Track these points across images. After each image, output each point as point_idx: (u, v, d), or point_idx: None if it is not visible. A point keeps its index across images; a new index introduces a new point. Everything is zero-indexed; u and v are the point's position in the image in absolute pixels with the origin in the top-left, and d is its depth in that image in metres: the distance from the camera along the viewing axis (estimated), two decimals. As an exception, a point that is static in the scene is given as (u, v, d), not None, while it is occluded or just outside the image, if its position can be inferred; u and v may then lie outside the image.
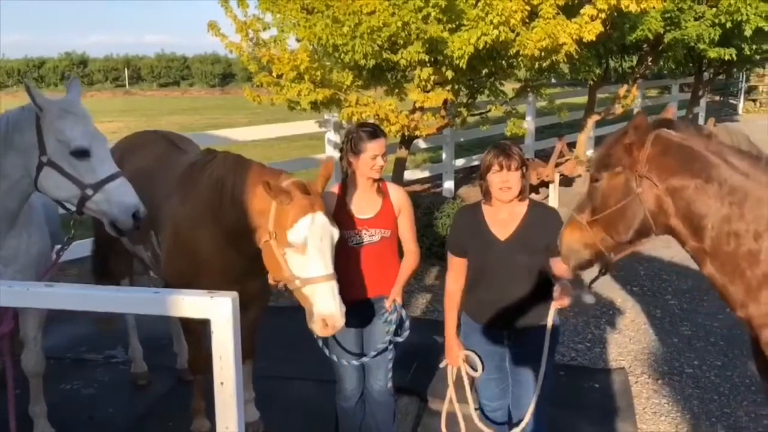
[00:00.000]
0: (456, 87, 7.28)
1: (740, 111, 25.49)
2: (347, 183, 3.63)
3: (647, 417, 4.67)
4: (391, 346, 3.65)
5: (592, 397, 4.93)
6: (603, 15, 6.77)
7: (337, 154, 3.87)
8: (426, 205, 8.08)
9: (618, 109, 12.39)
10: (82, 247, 5.58)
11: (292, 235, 3.13)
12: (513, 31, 6.29)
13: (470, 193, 10.89)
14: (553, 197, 9.96)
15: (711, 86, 19.55)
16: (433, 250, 7.39)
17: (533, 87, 8.95)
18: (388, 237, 3.63)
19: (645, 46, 12.24)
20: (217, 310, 1.96)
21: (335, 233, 3.24)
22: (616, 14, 7.46)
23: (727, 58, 12.49)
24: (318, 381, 4.80)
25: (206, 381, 3.60)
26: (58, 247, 3.82)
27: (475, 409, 3.59)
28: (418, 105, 7.12)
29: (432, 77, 6.70)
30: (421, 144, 10.73)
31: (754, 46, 12.57)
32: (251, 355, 4.13)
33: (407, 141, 7.95)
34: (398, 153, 8.13)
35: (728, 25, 11.15)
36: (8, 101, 15.50)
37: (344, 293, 3.59)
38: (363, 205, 3.61)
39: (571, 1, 6.69)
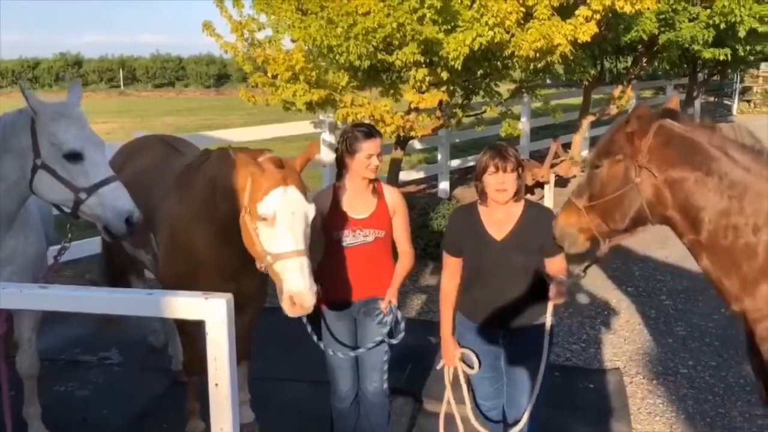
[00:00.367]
0: (451, 88, 7.28)
1: (734, 112, 25.55)
2: (343, 183, 3.64)
3: (642, 417, 4.68)
4: (385, 347, 3.65)
5: (587, 397, 4.94)
6: (597, 16, 6.77)
7: (332, 155, 3.87)
8: (421, 205, 8.09)
9: (613, 110, 12.42)
10: (77, 249, 5.57)
11: (261, 207, 3.07)
12: (508, 33, 6.29)
13: (465, 193, 10.90)
14: (548, 198, 9.98)
15: (705, 87, 19.65)
16: (428, 251, 7.40)
17: (528, 88, 8.96)
18: (382, 238, 3.63)
19: (639, 47, 12.27)
20: (211, 311, 1.96)
21: (309, 210, 3.15)
22: (610, 15, 7.48)
23: (721, 58, 12.54)
24: (313, 382, 4.80)
25: (201, 382, 3.59)
26: (56, 247, 3.81)
27: (472, 409, 3.60)
28: (413, 106, 7.11)
29: (427, 78, 6.70)
30: (417, 145, 10.74)
31: (748, 47, 12.61)
32: (247, 356, 4.13)
33: (402, 142, 7.94)
34: (393, 154, 8.13)
35: (722, 26, 11.19)
36: (3, 102, 15.46)
37: (338, 293, 3.60)
38: (358, 205, 3.61)
39: (566, 2, 6.70)
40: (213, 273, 3.63)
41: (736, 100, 26.30)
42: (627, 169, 2.71)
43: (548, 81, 15.94)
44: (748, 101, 26.97)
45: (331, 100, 6.90)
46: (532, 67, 7.24)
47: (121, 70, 49.48)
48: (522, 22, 6.50)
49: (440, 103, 7.20)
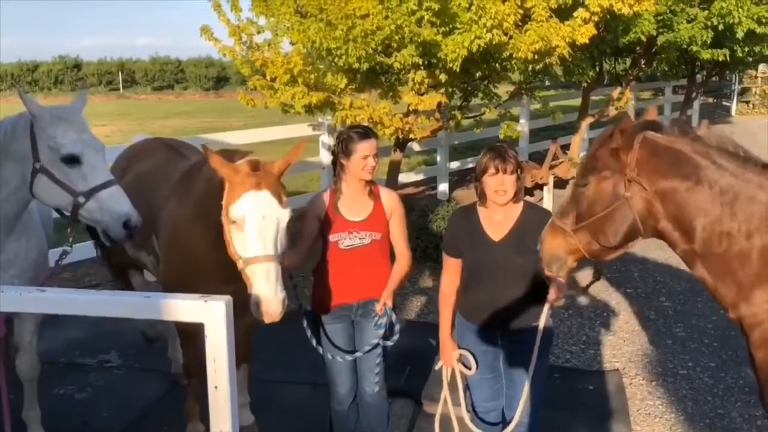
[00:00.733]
0: (450, 90, 7.29)
1: (733, 113, 25.60)
2: (339, 186, 3.64)
3: (641, 418, 4.68)
4: (380, 350, 3.66)
5: (586, 398, 4.94)
6: (596, 18, 6.79)
7: (330, 157, 3.87)
8: (421, 207, 8.09)
9: (612, 111, 12.42)
10: (77, 251, 5.54)
11: (233, 210, 3.05)
12: (506, 34, 6.31)
13: (465, 195, 10.90)
14: (547, 199, 9.98)
15: (704, 88, 19.65)
16: (428, 253, 7.40)
17: (527, 89, 8.98)
18: (378, 240, 3.63)
19: (638, 48, 12.27)
20: (211, 313, 1.96)
21: (283, 215, 3.09)
22: (608, 17, 7.49)
23: (720, 59, 12.55)
24: (312, 385, 4.80)
25: (201, 385, 3.59)
26: (57, 250, 3.80)
27: (468, 412, 3.60)
28: (412, 108, 7.13)
29: (426, 80, 6.71)
30: (416, 147, 10.74)
31: (746, 48, 12.63)
32: (246, 359, 4.13)
33: (401, 144, 7.96)
34: (393, 156, 8.14)
35: (720, 27, 11.20)
36: (2, 106, 15.46)
37: (335, 296, 3.60)
38: (354, 207, 3.62)
39: (564, 4, 6.71)
40: (212, 275, 3.62)
41: (734, 101, 26.35)
42: (615, 184, 2.67)
43: (547, 82, 15.98)
44: (747, 102, 27.02)
45: (329, 102, 6.91)
46: (530, 68, 7.26)
47: (120, 73, 49.52)
48: (520, 24, 6.51)
49: (439, 105, 7.21)
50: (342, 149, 3.57)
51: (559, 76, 12.71)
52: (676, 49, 12.11)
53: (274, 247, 3.05)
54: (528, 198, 4.70)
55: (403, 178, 10.07)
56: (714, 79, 18.88)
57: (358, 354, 3.65)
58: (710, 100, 27.66)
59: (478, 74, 7.52)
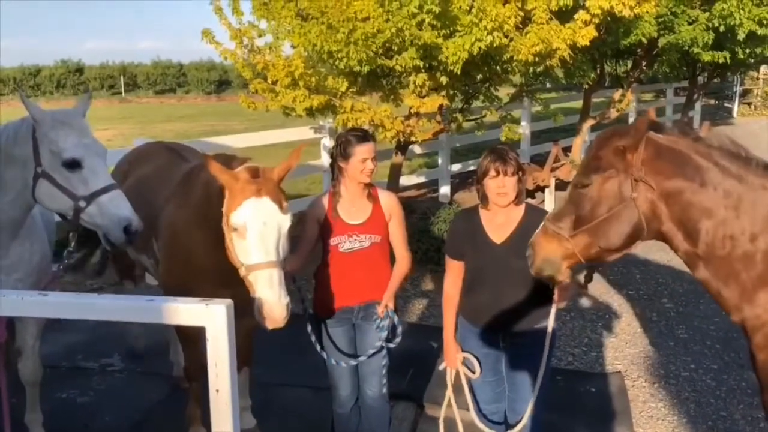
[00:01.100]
0: (451, 92, 7.29)
1: (735, 114, 25.59)
2: (338, 189, 3.65)
3: (644, 421, 4.67)
4: (384, 352, 3.66)
5: (588, 401, 4.94)
6: (596, 20, 6.79)
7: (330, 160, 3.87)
8: (422, 210, 8.10)
9: (613, 113, 12.44)
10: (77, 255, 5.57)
11: (234, 218, 3.05)
12: (507, 37, 6.31)
13: (466, 197, 10.91)
14: (548, 201, 9.98)
15: (706, 90, 19.63)
16: (429, 255, 7.39)
17: (528, 92, 8.99)
18: (378, 242, 3.64)
19: (639, 50, 12.28)
20: (212, 317, 1.96)
21: (284, 221, 3.10)
22: (609, 19, 7.49)
23: (721, 61, 12.53)
24: (314, 388, 4.80)
25: (202, 388, 3.59)
26: (65, 253, 3.81)
27: (476, 411, 3.59)
28: (413, 110, 7.13)
29: (427, 83, 6.71)
30: (417, 149, 10.76)
31: (747, 50, 12.62)
32: (248, 362, 4.13)
33: (403, 146, 7.95)
34: (394, 159, 8.14)
35: (721, 29, 11.19)
36: (4, 110, 15.50)
37: (336, 299, 3.61)
38: (353, 210, 3.62)
39: (565, 6, 6.71)
40: (212, 278, 3.62)
41: (736, 103, 26.32)
42: (621, 184, 2.63)
43: (548, 85, 16.00)
44: (749, 104, 26.98)
45: (331, 105, 6.91)
46: (531, 71, 7.27)
47: (122, 77, 49.59)
48: (521, 26, 6.51)
49: (440, 107, 7.21)
50: (340, 152, 3.58)
51: (560, 78, 12.71)
52: (677, 51, 12.10)
53: (276, 253, 3.06)
54: (529, 200, 4.70)
55: (405, 180, 10.07)
56: (715, 80, 18.85)
57: (362, 358, 3.65)
58: (712, 101, 27.63)
59: (479, 77, 7.52)
